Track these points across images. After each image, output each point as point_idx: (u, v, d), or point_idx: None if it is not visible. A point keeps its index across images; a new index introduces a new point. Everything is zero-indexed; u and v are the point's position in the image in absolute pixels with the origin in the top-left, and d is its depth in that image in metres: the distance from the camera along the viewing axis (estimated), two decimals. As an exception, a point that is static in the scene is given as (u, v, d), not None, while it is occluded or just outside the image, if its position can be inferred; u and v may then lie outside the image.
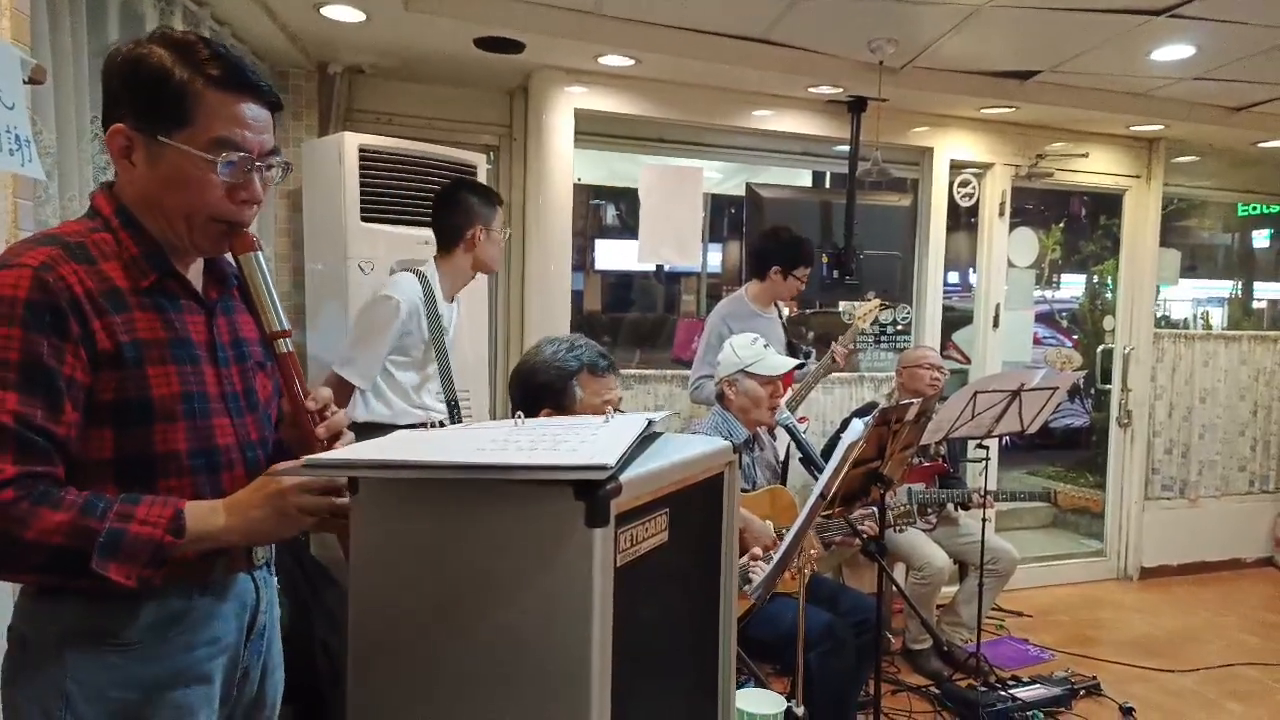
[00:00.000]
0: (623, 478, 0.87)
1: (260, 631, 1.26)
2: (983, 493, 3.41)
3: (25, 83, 0.79)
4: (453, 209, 2.59)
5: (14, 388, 1.00)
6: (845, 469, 1.97)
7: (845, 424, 3.79)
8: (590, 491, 0.83)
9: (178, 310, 1.16)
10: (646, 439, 1.05)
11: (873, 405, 3.92)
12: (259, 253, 1.21)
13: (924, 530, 3.54)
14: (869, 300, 3.71)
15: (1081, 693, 3.38)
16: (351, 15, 2.92)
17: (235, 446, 1.19)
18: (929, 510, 3.58)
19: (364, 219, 3.12)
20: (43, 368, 1.02)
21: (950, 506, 3.68)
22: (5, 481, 0.98)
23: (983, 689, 3.25)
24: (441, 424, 2.57)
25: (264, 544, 1.24)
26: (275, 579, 1.31)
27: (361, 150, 3.11)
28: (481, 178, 3.41)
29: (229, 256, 1.22)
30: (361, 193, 3.11)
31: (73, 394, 1.04)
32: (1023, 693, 3.26)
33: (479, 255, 2.61)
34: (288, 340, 1.23)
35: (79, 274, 1.06)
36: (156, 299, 1.13)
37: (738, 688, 1.56)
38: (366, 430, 2.46)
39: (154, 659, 1.11)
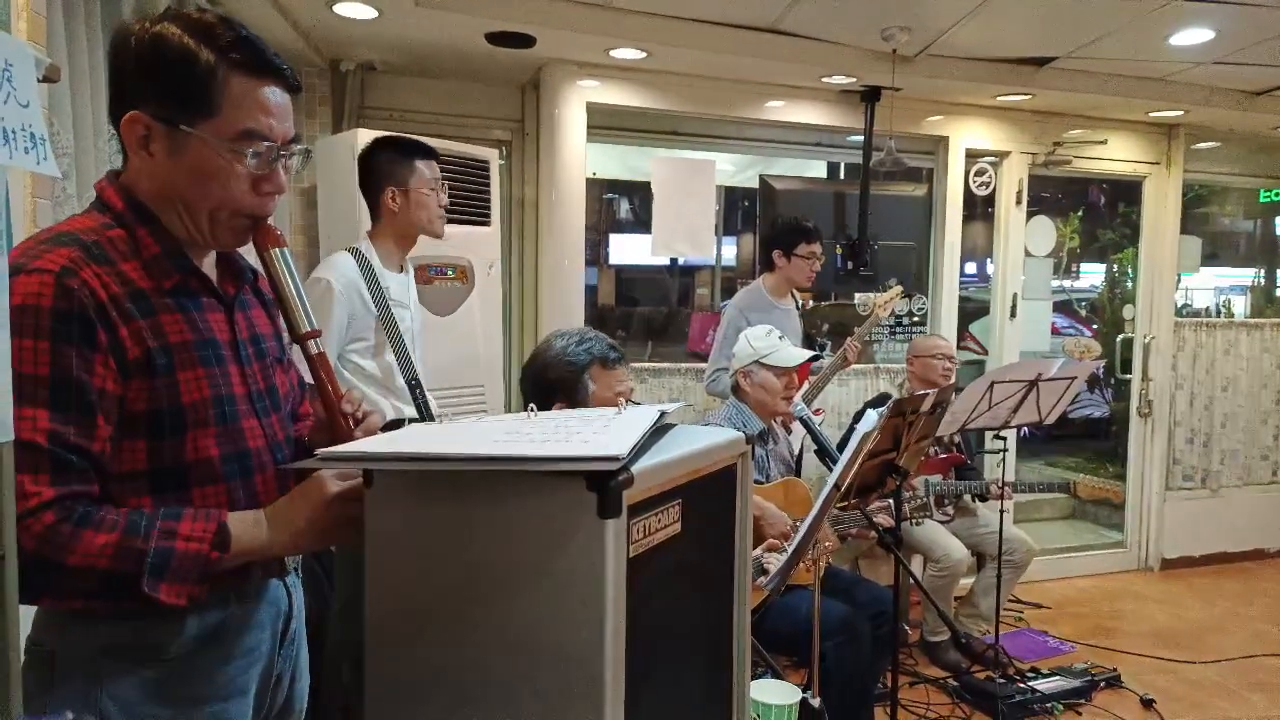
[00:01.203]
0: (634, 469, 0.87)
1: (292, 638, 1.23)
2: (1001, 484, 3.38)
3: (40, 81, 0.79)
4: (364, 177, 2.37)
5: (46, 404, 0.95)
6: (860, 460, 1.96)
7: (859, 415, 3.77)
8: (602, 483, 0.83)
9: (200, 309, 1.10)
10: (659, 430, 1.05)
11: (886, 396, 3.90)
12: (285, 249, 1.16)
13: (942, 522, 3.52)
14: (890, 288, 3.67)
15: (1102, 684, 3.35)
16: (363, 12, 2.93)
17: (266, 448, 1.15)
18: (946, 501, 3.56)
19: (378, 215, 3.13)
20: (74, 381, 0.97)
21: (967, 498, 3.66)
22: (45, 505, 0.94)
23: (1001, 681, 3.23)
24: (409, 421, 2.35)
25: (307, 552, 1.21)
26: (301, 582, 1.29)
27: (375, 147, 3.11)
28: (494, 173, 3.42)
29: (241, 250, 1.18)
30: (375, 189, 3.11)
31: (105, 407, 0.99)
32: (1042, 685, 3.24)
33: (403, 220, 2.34)
34: (318, 340, 1.18)
35: (101, 277, 1.00)
36: (179, 299, 1.08)
37: (755, 679, 1.56)
38: None
39: (193, 674, 1.08)
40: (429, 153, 2.40)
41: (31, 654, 1.05)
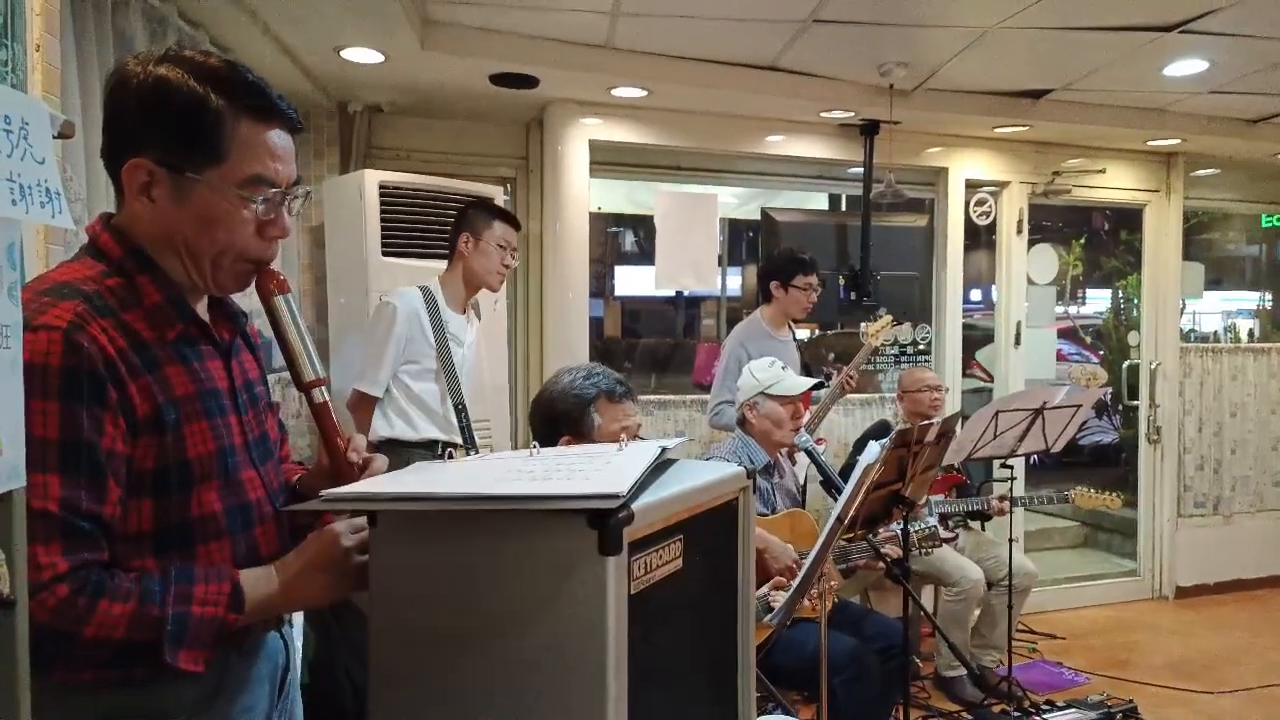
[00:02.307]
0: (635, 505, 0.87)
1: (288, 691, 1.21)
2: (1000, 498, 3.37)
3: (55, 137, 0.82)
4: (454, 224, 2.70)
5: (56, 469, 0.91)
6: (864, 492, 1.96)
7: (858, 444, 3.77)
8: (603, 520, 0.84)
9: (200, 358, 1.07)
10: (660, 466, 1.06)
11: (885, 425, 3.90)
12: (289, 295, 1.13)
13: (947, 540, 3.50)
14: (879, 318, 3.69)
15: (1118, 717, 3.29)
16: (371, 57, 3.00)
17: (265, 499, 1.11)
18: (950, 522, 3.54)
19: (385, 253, 3.18)
20: (84, 444, 0.92)
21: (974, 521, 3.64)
22: (59, 578, 0.89)
23: (1016, 714, 3.18)
24: (451, 454, 2.56)
25: (319, 607, 1.19)
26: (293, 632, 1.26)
27: (381, 186, 3.17)
28: (499, 209, 3.47)
29: (235, 296, 1.15)
30: (382, 228, 3.17)
31: (114, 468, 0.95)
32: (1057, 717, 3.18)
33: (468, 265, 2.66)
34: (324, 389, 1.15)
35: (108, 331, 0.96)
36: (180, 349, 1.04)
37: (763, 714, 1.55)
38: (390, 446, 2.51)
39: None
40: (511, 221, 2.73)
41: None
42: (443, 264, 3.10)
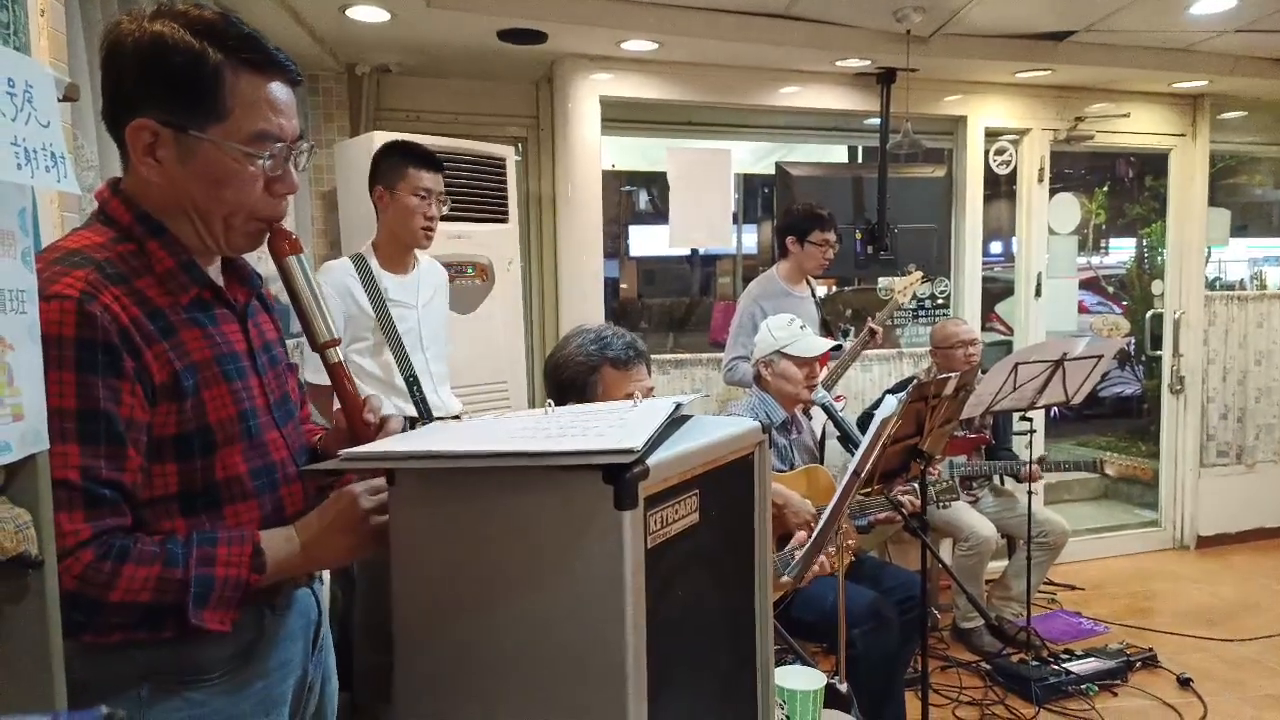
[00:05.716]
0: (650, 460, 0.88)
1: (321, 644, 1.23)
2: (1032, 463, 3.35)
3: (60, 100, 0.82)
4: (369, 173, 2.41)
5: (75, 438, 0.92)
6: (881, 446, 1.95)
7: (881, 401, 3.75)
8: (618, 475, 0.84)
9: (215, 322, 1.07)
10: (676, 422, 1.06)
11: (910, 381, 3.87)
12: (302, 255, 1.13)
13: (968, 503, 3.50)
14: (909, 273, 3.64)
15: (1138, 665, 3.32)
16: (376, 15, 2.96)
17: (290, 459, 1.13)
18: (974, 484, 3.54)
19: (397, 216, 3.15)
20: (102, 413, 0.93)
21: (996, 479, 3.63)
22: (82, 544, 0.91)
23: (1035, 663, 3.21)
24: (427, 417, 2.35)
25: (339, 566, 1.21)
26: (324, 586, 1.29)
27: (391, 149, 3.13)
28: (510, 169, 3.43)
29: (248, 256, 1.15)
30: (393, 190, 3.14)
31: (134, 436, 0.96)
32: (1076, 666, 3.22)
33: (388, 220, 2.36)
34: (338, 349, 1.16)
35: (120, 299, 0.96)
36: (194, 313, 1.04)
37: (781, 666, 1.56)
38: None
39: (233, 691, 1.06)
40: (428, 162, 2.37)
41: None
42: (455, 226, 3.10)
